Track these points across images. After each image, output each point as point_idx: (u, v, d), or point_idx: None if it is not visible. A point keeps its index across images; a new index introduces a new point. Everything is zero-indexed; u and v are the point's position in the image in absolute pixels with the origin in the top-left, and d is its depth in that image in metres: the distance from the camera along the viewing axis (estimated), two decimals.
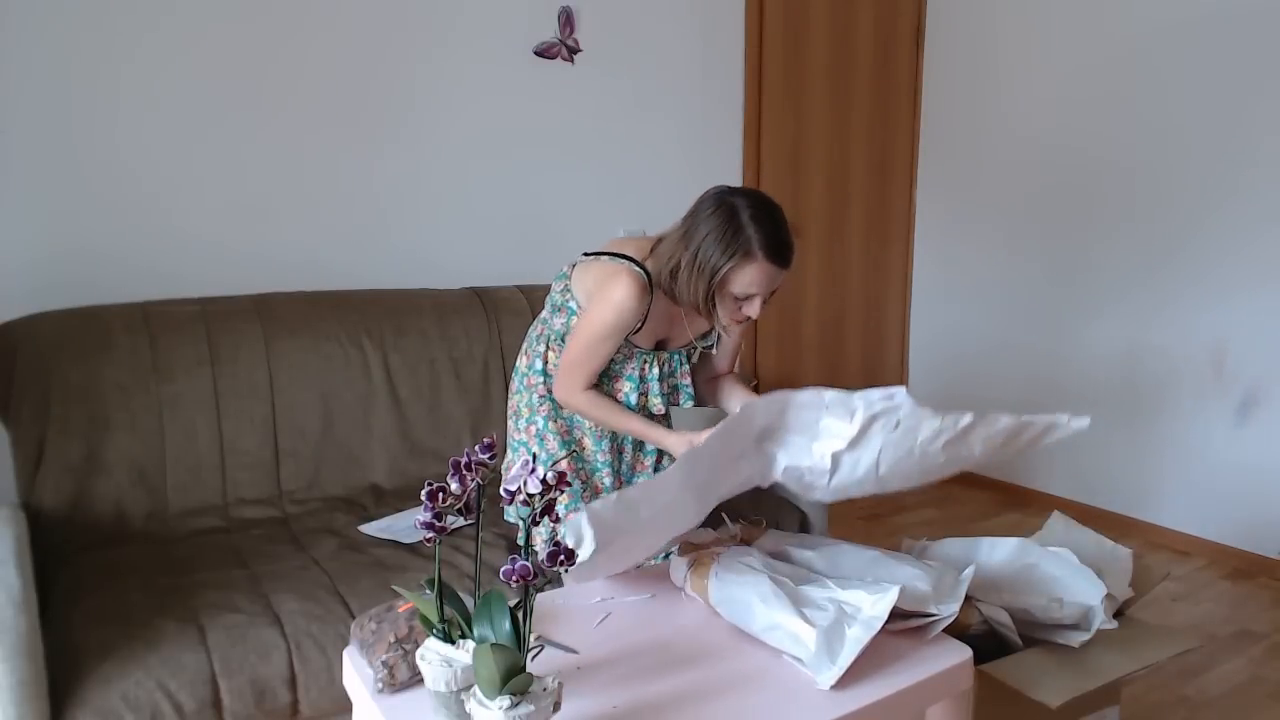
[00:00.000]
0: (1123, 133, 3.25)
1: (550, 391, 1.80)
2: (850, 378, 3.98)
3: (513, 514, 1.84)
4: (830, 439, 1.42)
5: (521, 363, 1.87)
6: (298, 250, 2.60)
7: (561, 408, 1.80)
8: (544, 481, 1.08)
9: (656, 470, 1.86)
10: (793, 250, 1.60)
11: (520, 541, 1.91)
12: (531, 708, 1.00)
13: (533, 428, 1.81)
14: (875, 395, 1.40)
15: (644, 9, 3.18)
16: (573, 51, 3.02)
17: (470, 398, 2.49)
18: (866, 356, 4.02)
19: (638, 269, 1.65)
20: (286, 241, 2.59)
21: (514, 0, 2.87)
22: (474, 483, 1.11)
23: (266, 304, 2.32)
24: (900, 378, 4.15)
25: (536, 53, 2.95)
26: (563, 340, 1.77)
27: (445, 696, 1.11)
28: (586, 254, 1.76)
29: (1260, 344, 2.95)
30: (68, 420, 2.01)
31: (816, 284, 3.81)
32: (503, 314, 2.59)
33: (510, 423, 1.88)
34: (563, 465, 1.76)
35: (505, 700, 1.00)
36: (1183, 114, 3.07)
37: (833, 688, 1.20)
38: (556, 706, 1.05)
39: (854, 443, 1.40)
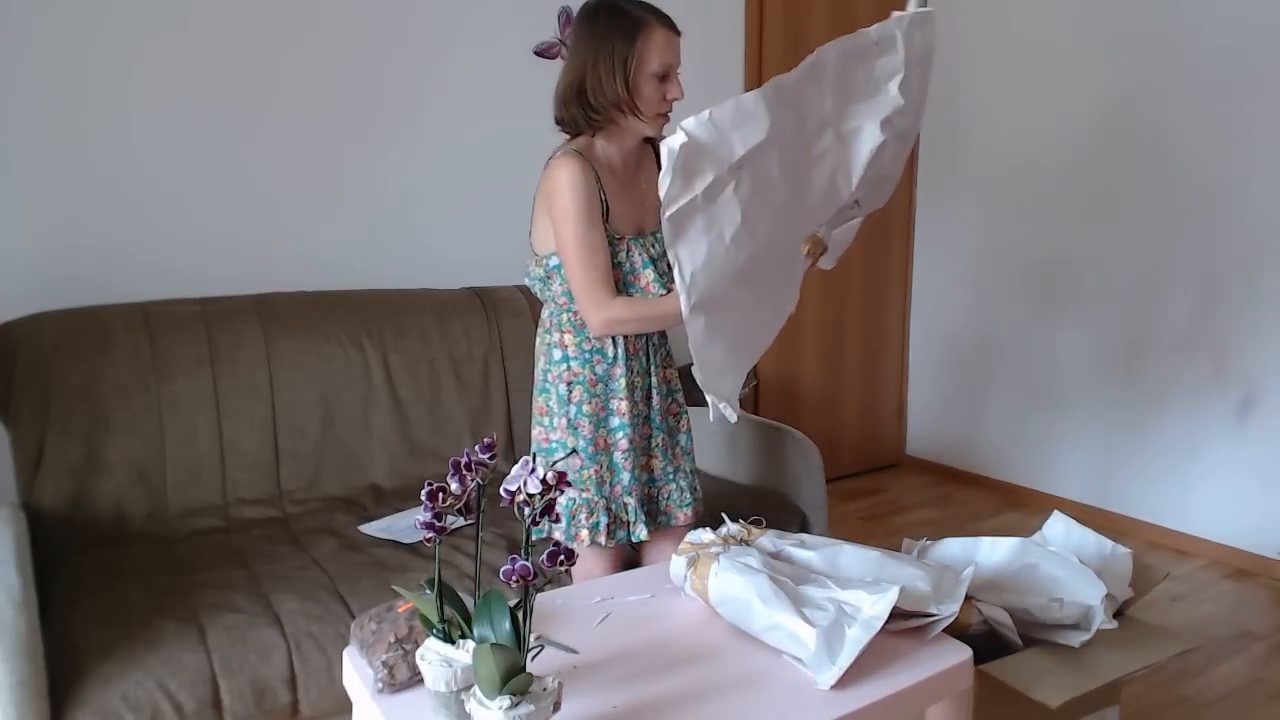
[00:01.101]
0: (1122, 133, 3.25)
1: (576, 376, 1.76)
2: (850, 377, 3.98)
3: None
4: (891, 78, 1.55)
5: (538, 366, 1.83)
6: (298, 250, 2.60)
7: (603, 337, 1.74)
8: (544, 481, 1.08)
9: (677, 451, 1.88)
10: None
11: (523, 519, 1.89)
12: (531, 708, 1.00)
13: (563, 420, 1.77)
14: (896, 18, 1.54)
15: None
16: None
17: (470, 398, 2.49)
18: (866, 356, 4.02)
19: (560, 150, 1.72)
20: (287, 241, 2.59)
21: (514, 0, 2.88)
22: (474, 483, 1.11)
23: (267, 304, 2.32)
24: (900, 378, 4.15)
25: (537, 53, 2.95)
26: (571, 311, 1.75)
27: (445, 696, 1.11)
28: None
29: (1260, 344, 2.95)
30: (68, 420, 2.01)
31: (816, 284, 3.80)
32: (503, 314, 2.59)
33: (535, 433, 1.84)
34: (571, 462, 1.74)
35: (505, 700, 1.00)
36: (1181, 116, 3.07)
37: (833, 688, 1.20)
38: (556, 706, 1.05)
39: (907, 67, 1.56)
